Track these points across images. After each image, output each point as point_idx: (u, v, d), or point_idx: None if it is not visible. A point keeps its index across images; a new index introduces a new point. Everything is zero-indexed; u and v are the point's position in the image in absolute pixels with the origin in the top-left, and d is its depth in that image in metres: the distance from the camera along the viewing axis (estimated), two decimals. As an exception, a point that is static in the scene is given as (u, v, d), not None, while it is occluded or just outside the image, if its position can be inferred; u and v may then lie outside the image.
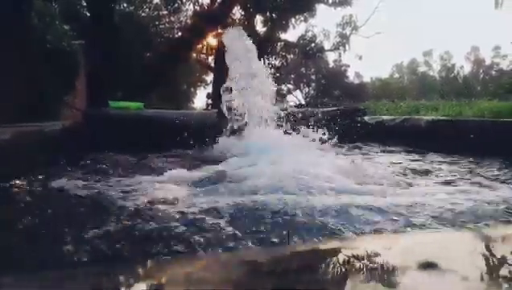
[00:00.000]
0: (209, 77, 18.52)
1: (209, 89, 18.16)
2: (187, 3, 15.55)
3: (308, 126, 3.99)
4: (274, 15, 14.89)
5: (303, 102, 28.69)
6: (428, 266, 0.71)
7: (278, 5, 13.96)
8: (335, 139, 3.74)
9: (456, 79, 38.54)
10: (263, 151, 2.99)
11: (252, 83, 3.73)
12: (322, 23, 39.54)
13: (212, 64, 16.42)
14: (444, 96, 17.21)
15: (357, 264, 0.74)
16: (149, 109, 5.75)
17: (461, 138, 3.55)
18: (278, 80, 28.06)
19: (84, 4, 11.24)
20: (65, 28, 5.96)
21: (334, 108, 5.58)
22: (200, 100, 21.87)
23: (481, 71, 40.81)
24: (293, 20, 15.53)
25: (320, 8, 16.05)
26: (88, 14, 10.85)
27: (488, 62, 41.06)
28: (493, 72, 39.07)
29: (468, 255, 0.81)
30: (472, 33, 73.50)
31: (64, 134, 3.39)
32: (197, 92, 20.81)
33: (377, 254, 0.78)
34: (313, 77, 31.58)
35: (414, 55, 53.98)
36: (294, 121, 3.97)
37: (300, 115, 4.37)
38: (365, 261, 0.75)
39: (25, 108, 4.18)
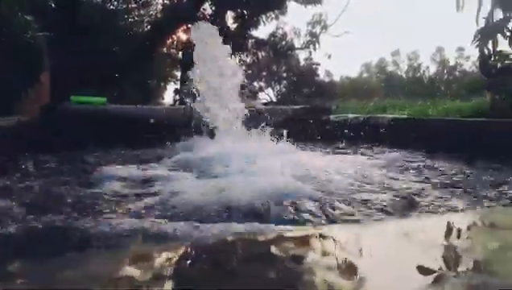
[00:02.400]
0: (179, 73, 18.31)
1: (178, 84, 17.95)
2: (157, -3, 15.31)
3: (275, 124, 4.03)
4: (245, 12, 14.88)
5: (274, 100, 28.94)
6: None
7: (250, 1, 13.96)
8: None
9: (422, 79, 39.77)
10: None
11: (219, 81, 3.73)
12: (293, 21, 39.83)
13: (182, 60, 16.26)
14: (411, 95, 17.70)
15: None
16: (114, 104, 5.65)
17: (419, 135, 3.70)
18: (249, 78, 28.08)
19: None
20: (29, 19, 5.74)
21: (301, 106, 5.67)
22: (170, 95, 21.62)
23: (446, 71, 42.25)
24: (264, 17, 15.59)
25: (291, 6, 16.18)
26: (53, 5, 10.50)
27: (452, 63, 42.58)
28: (457, 73, 40.53)
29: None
30: (437, 34, 75.88)
31: (18, 130, 3.28)
32: (167, 87, 20.52)
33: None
34: (284, 75, 31.77)
35: (382, 55, 55.36)
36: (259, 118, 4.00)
37: (267, 113, 4.41)
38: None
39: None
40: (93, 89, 9.18)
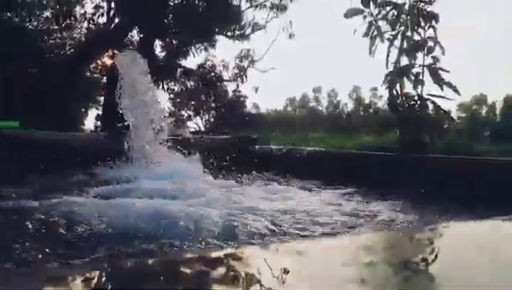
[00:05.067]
0: (102, 98, 17.64)
1: (100, 110, 17.24)
2: (82, 20, 14.80)
3: (202, 152, 4.06)
4: (173, 41, 14.94)
5: (203, 129, 29.00)
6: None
7: (178, 32, 14.07)
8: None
9: (340, 114, 42.56)
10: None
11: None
12: (221, 54, 40.55)
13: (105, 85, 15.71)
14: (331, 129, 18.82)
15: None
16: (28, 129, 5.28)
17: (332, 165, 3.98)
18: (177, 106, 27.91)
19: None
20: None
21: (228, 136, 5.77)
22: (92, 121, 20.68)
23: (361, 108, 45.64)
24: (193, 48, 15.74)
25: (220, 39, 16.55)
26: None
27: (367, 101, 46.18)
28: (371, 111, 43.99)
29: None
30: (354, 74, 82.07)
31: None
32: (88, 112, 19.60)
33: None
34: (213, 105, 32.04)
35: (305, 90, 58.33)
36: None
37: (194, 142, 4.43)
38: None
39: None
40: (8, 114, 8.49)
